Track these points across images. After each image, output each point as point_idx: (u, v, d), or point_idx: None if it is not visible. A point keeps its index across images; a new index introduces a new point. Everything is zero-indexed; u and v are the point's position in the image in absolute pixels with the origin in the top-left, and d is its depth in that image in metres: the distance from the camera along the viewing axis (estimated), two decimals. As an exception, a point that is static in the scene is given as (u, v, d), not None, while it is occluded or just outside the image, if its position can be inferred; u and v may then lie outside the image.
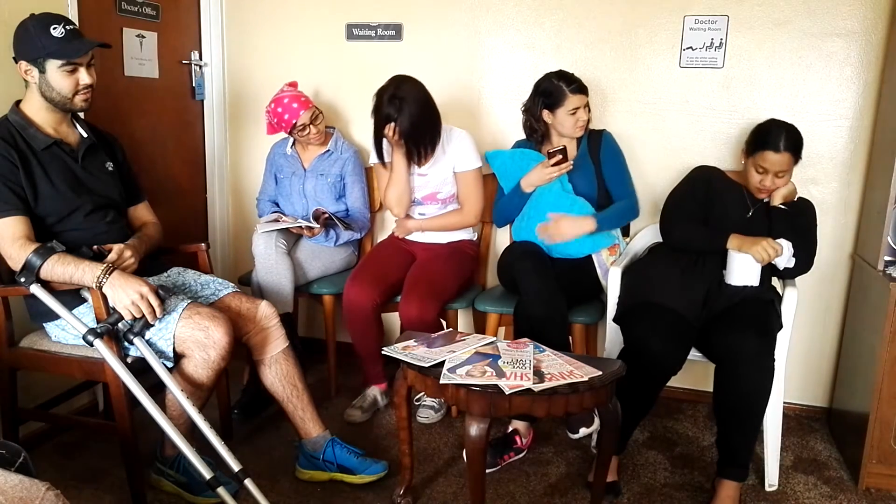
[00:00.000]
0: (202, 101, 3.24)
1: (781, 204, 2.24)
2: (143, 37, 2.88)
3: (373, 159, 2.71)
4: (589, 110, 2.54)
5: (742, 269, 2.15)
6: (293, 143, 2.91)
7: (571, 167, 2.45)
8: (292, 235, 2.77)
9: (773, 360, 2.05)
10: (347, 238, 2.85)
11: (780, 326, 2.17)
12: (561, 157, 2.42)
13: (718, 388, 2.09)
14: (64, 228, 2.01)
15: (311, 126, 2.77)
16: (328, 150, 2.87)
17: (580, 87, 2.50)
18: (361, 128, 3.11)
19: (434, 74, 2.98)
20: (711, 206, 2.32)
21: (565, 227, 2.46)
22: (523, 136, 2.70)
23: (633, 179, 2.76)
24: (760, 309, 2.14)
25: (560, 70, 2.55)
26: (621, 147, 2.63)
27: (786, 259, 2.15)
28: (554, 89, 2.50)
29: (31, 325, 2.11)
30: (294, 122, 2.73)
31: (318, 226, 2.69)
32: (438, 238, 2.78)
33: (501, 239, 2.97)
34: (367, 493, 2.18)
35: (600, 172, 2.55)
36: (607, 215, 2.50)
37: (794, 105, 2.61)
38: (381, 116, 2.50)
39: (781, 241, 2.14)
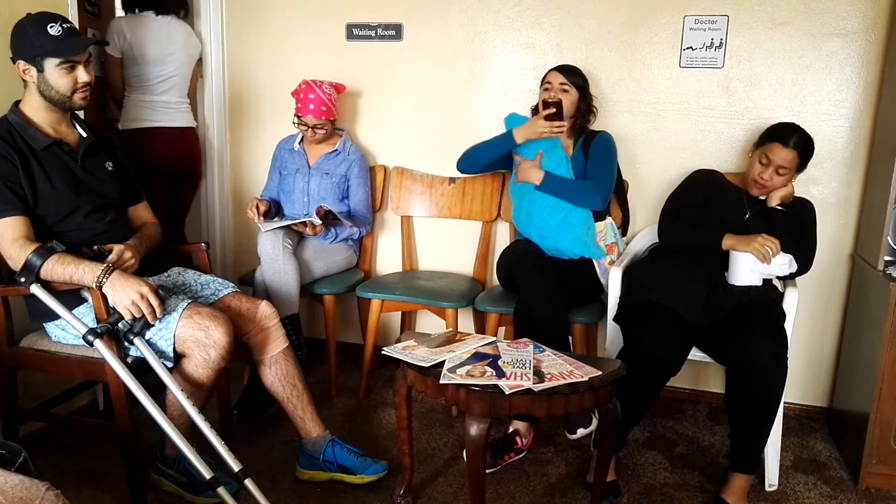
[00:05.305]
0: (202, 101, 3.24)
1: (778, 205, 2.24)
2: (143, 37, 2.88)
3: None
4: (586, 101, 2.53)
5: (745, 269, 2.14)
6: (301, 140, 2.92)
7: (565, 127, 2.43)
8: (296, 235, 2.77)
9: (787, 358, 2.05)
10: (348, 234, 2.85)
11: (784, 318, 2.17)
12: (555, 110, 2.37)
13: (733, 391, 2.10)
14: (64, 228, 2.01)
15: (310, 129, 2.80)
16: (335, 150, 2.88)
17: (558, 67, 2.53)
18: (362, 127, 3.11)
19: (434, 74, 2.99)
20: (709, 208, 2.32)
21: (521, 169, 2.51)
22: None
23: (632, 179, 2.76)
24: (770, 309, 2.15)
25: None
26: (621, 147, 2.63)
27: (787, 267, 2.13)
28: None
29: (31, 325, 2.11)
30: (299, 115, 2.78)
31: (321, 223, 2.69)
32: None
33: (502, 239, 2.97)
34: (367, 493, 2.18)
35: None
36: (560, 181, 2.45)
37: (794, 105, 2.61)
38: None
39: (783, 255, 2.13)
